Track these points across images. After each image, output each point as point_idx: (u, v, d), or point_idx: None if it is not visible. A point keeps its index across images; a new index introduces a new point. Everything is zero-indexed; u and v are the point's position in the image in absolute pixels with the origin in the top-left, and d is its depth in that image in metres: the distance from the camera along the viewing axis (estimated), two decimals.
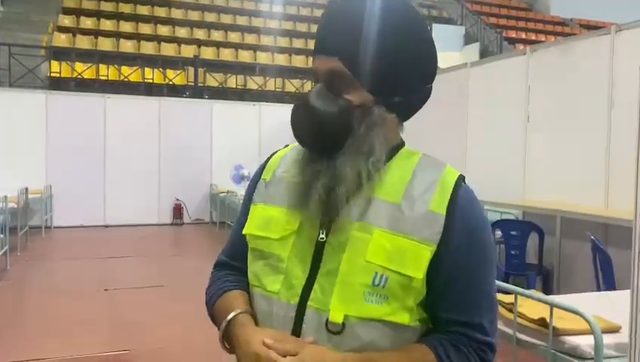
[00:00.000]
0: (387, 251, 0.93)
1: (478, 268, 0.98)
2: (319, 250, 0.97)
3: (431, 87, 1.08)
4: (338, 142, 0.96)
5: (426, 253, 0.93)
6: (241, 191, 9.34)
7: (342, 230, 0.96)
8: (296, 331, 0.96)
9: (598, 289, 3.52)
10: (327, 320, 0.93)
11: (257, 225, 1.05)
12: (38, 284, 5.96)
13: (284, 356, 0.90)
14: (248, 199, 1.12)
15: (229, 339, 1.03)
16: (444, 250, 0.94)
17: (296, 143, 1.05)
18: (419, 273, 0.93)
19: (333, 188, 0.95)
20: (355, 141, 0.96)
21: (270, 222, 1.02)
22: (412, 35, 1.00)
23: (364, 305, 0.93)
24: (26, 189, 8.13)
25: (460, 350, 0.97)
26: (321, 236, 0.97)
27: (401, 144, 1.06)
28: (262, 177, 1.10)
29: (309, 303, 0.95)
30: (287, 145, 1.15)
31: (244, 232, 1.07)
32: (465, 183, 1.01)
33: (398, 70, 0.99)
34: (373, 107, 0.98)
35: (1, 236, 6.17)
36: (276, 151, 1.15)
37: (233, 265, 1.15)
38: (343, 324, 0.93)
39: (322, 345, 0.93)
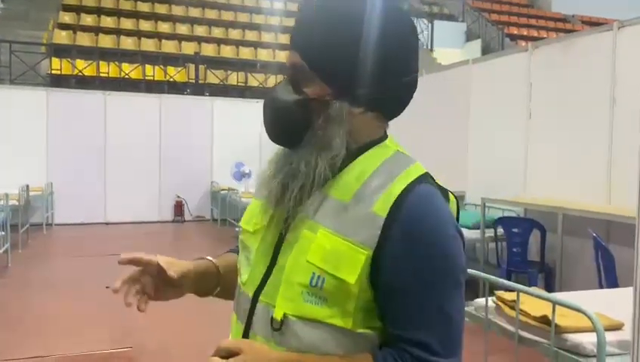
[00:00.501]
0: (326, 252, 0.90)
1: (423, 280, 0.88)
2: (279, 245, 0.98)
3: (412, 80, 1.02)
4: (295, 136, 0.97)
5: (361, 257, 0.88)
6: (242, 188, 9.34)
7: (297, 227, 0.96)
8: (249, 324, 0.99)
9: (601, 287, 3.51)
10: (271, 316, 0.94)
11: (245, 218, 1.09)
12: (39, 282, 5.96)
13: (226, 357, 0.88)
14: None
15: None
16: (382, 257, 0.88)
17: None
18: (351, 277, 0.88)
19: (287, 184, 0.96)
20: (313, 135, 0.95)
21: (251, 215, 1.07)
22: (375, 25, 0.94)
23: (302, 305, 0.91)
24: (27, 186, 8.13)
25: (394, 358, 0.89)
26: (282, 232, 0.98)
27: (380, 140, 1.00)
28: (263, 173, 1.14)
29: (260, 297, 0.97)
30: None
31: (239, 224, 1.13)
32: (426, 184, 0.93)
33: (357, 62, 0.93)
34: (331, 101, 0.94)
35: (3, 233, 6.18)
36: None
37: None
38: (282, 321, 0.92)
39: (268, 339, 0.94)
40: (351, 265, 0.88)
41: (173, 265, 1.06)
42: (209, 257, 1.15)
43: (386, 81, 0.96)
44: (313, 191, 0.95)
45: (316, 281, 0.90)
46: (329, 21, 0.94)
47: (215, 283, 1.13)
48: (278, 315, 0.92)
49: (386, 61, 0.95)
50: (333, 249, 0.90)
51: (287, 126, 0.97)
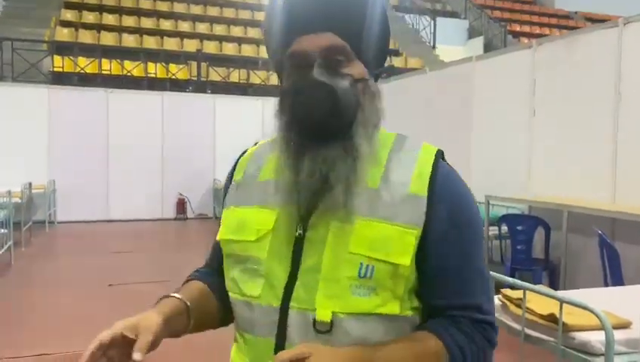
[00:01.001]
0: (370, 240, 0.89)
1: (468, 246, 0.94)
2: (298, 246, 0.92)
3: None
4: (348, 121, 0.92)
5: (411, 238, 0.90)
6: None
7: (320, 223, 0.91)
8: (282, 335, 0.90)
9: (606, 285, 3.49)
10: (313, 319, 0.88)
11: (231, 229, 0.99)
12: (41, 279, 5.96)
13: None
14: (222, 205, 1.08)
15: None
16: (430, 233, 0.91)
17: (263, 141, 1.06)
18: (405, 259, 0.89)
19: (335, 170, 0.89)
20: (363, 116, 0.93)
21: (244, 224, 0.97)
22: (384, 7, 1.00)
23: (352, 299, 0.88)
24: (30, 184, 8.13)
25: (465, 332, 0.92)
26: (299, 231, 0.92)
27: None
28: (232, 180, 1.06)
29: (291, 304, 0.90)
30: (256, 143, 1.12)
31: (218, 238, 1.03)
32: (444, 160, 0.99)
33: (384, 41, 1.00)
34: (369, 80, 0.97)
35: (5, 231, 6.18)
36: (244, 152, 1.11)
37: (208, 267, 1.14)
38: (331, 322, 0.88)
39: None
40: (402, 247, 0.89)
41: (139, 328, 0.90)
42: (174, 294, 1.01)
43: (385, 60, 1.06)
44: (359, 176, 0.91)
45: (365, 271, 0.88)
46: (363, 3, 0.96)
47: (186, 321, 1.00)
48: (324, 316, 0.88)
49: (388, 41, 1.03)
50: (379, 235, 0.89)
51: (348, 110, 0.91)
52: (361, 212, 0.90)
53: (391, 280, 0.89)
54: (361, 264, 0.88)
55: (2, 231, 6.02)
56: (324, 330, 0.88)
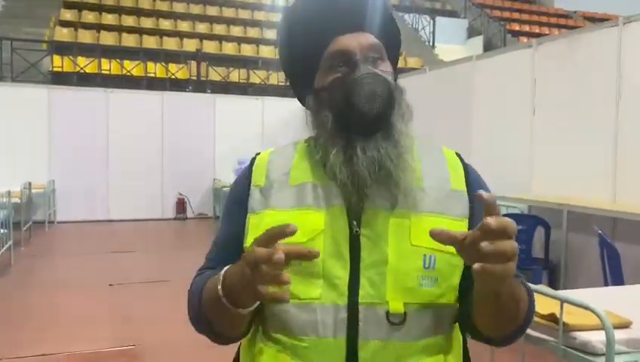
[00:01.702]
0: (428, 232, 0.92)
1: None
2: (354, 243, 0.94)
3: None
4: (392, 114, 0.98)
5: (463, 228, 0.96)
6: None
7: (374, 219, 0.94)
8: (353, 332, 0.91)
9: (606, 284, 3.49)
10: (387, 312, 0.90)
11: None
12: (42, 280, 5.96)
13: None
14: (238, 210, 1.03)
15: (230, 297, 0.88)
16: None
17: (271, 149, 1.08)
18: None
19: (393, 161, 0.94)
20: (400, 111, 0.99)
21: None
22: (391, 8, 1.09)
23: (420, 291, 0.93)
24: (29, 184, 8.13)
25: (525, 285, 1.01)
26: (356, 229, 0.94)
27: None
28: (252, 185, 1.04)
29: (360, 300, 0.91)
30: (258, 154, 1.10)
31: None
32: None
33: (400, 44, 1.09)
34: (397, 78, 1.04)
35: (5, 231, 6.17)
36: (255, 158, 1.10)
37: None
38: (405, 313, 0.91)
39: (385, 340, 0.91)
40: None
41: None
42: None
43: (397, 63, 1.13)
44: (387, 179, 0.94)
45: (429, 262, 0.93)
46: (386, 4, 1.04)
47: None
48: (397, 308, 0.91)
49: (400, 44, 1.12)
50: (436, 227, 0.91)
51: (392, 104, 0.97)
52: (414, 207, 0.95)
53: (449, 270, 0.95)
54: (424, 255, 0.93)
55: (2, 231, 6.01)
56: (398, 322, 0.91)
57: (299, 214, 0.96)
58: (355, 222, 0.94)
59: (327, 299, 0.92)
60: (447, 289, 0.95)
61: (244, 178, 1.07)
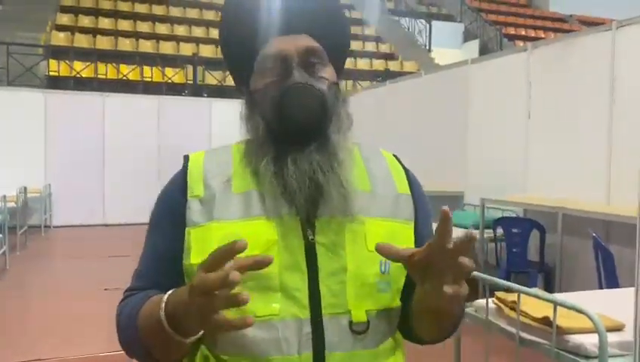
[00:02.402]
0: (382, 237, 0.91)
1: (432, 230, 1.05)
2: (310, 252, 0.89)
3: None
4: (329, 123, 0.93)
5: (410, 231, 0.98)
6: None
7: (329, 226, 0.90)
8: (319, 346, 0.87)
9: (601, 287, 3.51)
10: (350, 322, 0.87)
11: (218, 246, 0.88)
12: (37, 284, 5.94)
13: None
14: (172, 223, 0.93)
15: (174, 325, 0.81)
16: (418, 225, 1.00)
17: (201, 152, 1.00)
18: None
19: (325, 174, 0.89)
20: (339, 120, 0.94)
21: (237, 239, 0.86)
22: (342, 10, 1.04)
23: (379, 296, 0.92)
24: (25, 188, 8.12)
25: None
26: (311, 238, 0.89)
27: None
28: (190, 195, 0.94)
29: (323, 311, 0.87)
30: (186, 157, 1.01)
31: (202, 260, 0.84)
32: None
33: (348, 48, 1.04)
34: (338, 83, 0.97)
35: (0, 236, 6.16)
36: (185, 165, 0.99)
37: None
38: (368, 321, 0.89)
39: (350, 351, 0.88)
40: (406, 240, 0.96)
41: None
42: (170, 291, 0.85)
43: (344, 67, 1.06)
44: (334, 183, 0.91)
45: (385, 267, 0.92)
46: (333, 5, 0.99)
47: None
48: (360, 317, 0.89)
49: (349, 48, 1.06)
50: (388, 232, 0.93)
51: (328, 115, 0.92)
52: (367, 212, 0.93)
53: (399, 274, 0.94)
54: (381, 261, 0.91)
55: None
56: (361, 330, 0.88)
57: (249, 225, 0.89)
58: (308, 230, 0.89)
59: (288, 313, 0.86)
60: (397, 292, 0.95)
61: (178, 187, 0.96)
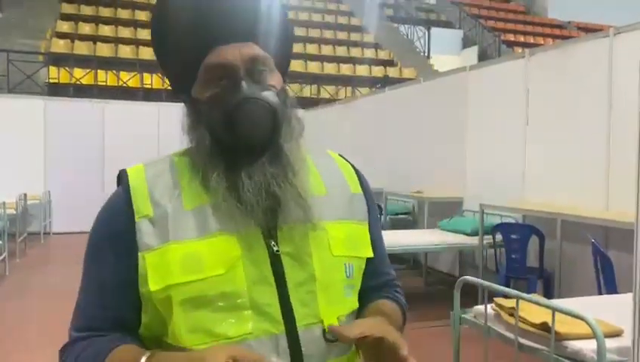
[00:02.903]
0: (343, 240, 0.93)
1: (380, 227, 1.07)
2: (276, 264, 0.86)
3: None
4: (279, 133, 0.89)
5: (366, 231, 0.98)
6: None
7: (291, 235, 0.87)
8: (297, 358, 0.84)
9: (600, 293, 3.51)
10: (323, 330, 0.85)
11: (177, 270, 0.83)
12: (37, 291, 5.94)
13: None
14: (118, 248, 0.86)
15: None
16: (370, 224, 1.00)
17: (140, 165, 0.94)
18: (369, 251, 0.98)
19: (281, 186, 0.87)
20: (289, 126, 0.92)
21: (199, 259, 0.83)
22: (285, 14, 1.00)
23: (346, 301, 0.92)
24: (25, 195, 8.12)
25: (399, 293, 1.07)
26: (276, 249, 0.86)
27: None
28: (137, 215, 0.87)
29: (297, 323, 0.84)
30: (123, 171, 0.94)
31: (156, 288, 0.83)
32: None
33: (291, 53, 1.03)
34: (286, 89, 0.95)
35: (0, 242, 6.16)
36: (125, 182, 0.92)
37: (100, 335, 0.88)
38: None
39: (326, 359, 0.87)
40: (364, 241, 0.98)
41: None
42: (147, 353, 0.82)
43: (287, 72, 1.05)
44: (300, 186, 0.89)
45: (349, 271, 0.93)
46: (275, 10, 0.96)
47: None
48: (333, 324, 0.87)
49: (291, 53, 1.05)
50: (347, 234, 0.94)
51: (278, 127, 0.89)
52: (326, 216, 0.91)
53: (359, 275, 0.96)
54: (345, 264, 0.92)
55: None
56: (335, 338, 0.85)
57: (209, 243, 0.84)
58: (271, 241, 0.86)
59: (261, 330, 0.83)
60: (356, 294, 0.95)
61: (121, 207, 0.89)
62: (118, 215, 0.88)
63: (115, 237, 0.87)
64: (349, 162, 1.05)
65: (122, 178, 0.93)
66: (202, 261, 0.83)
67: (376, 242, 1.01)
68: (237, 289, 0.83)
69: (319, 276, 0.88)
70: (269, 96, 0.88)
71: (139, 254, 0.85)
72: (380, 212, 6.86)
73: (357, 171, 1.05)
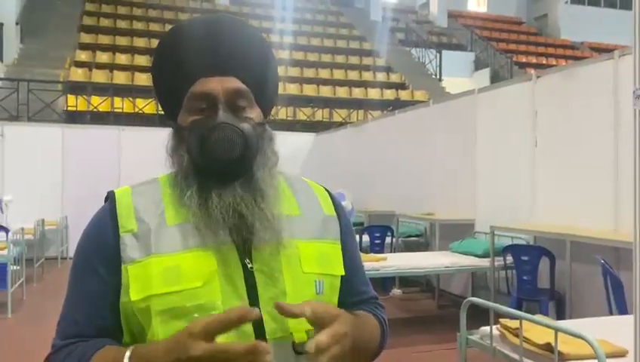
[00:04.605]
0: (315, 258, 0.98)
1: (357, 249, 1.13)
2: (249, 280, 0.92)
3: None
4: (253, 161, 0.97)
5: (338, 250, 1.04)
6: None
7: (264, 253, 0.93)
8: None
9: (611, 313, 3.49)
10: (293, 343, 0.90)
11: (160, 281, 0.89)
12: (54, 315, 5.96)
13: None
14: (104, 261, 0.93)
15: None
16: (343, 244, 1.05)
17: (126, 187, 1.01)
18: (341, 270, 1.03)
19: (249, 208, 0.93)
20: (263, 157, 0.99)
21: (178, 272, 0.89)
22: (272, 54, 1.06)
23: None
24: (42, 221, 8.26)
25: (379, 310, 1.12)
26: (250, 265, 0.92)
27: None
28: (122, 230, 0.94)
29: (267, 337, 0.89)
30: (111, 192, 1.01)
31: (139, 297, 0.89)
32: None
33: (275, 88, 1.08)
34: (265, 123, 1.01)
35: (18, 267, 6.27)
36: (112, 201, 0.99)
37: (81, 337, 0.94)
38: (308, 340, 0.89)
39: None
40: (336, 259, 1.03)
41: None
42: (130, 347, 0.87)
43: (272, 109, 1.11)
44: (271, 211, 0.94)
45: (319, 288, 0.98)
46: (262, 49, 1.03)
47: None
48: (301, 338, 0.91)
49: (277, 91, 1.10)
50: (319, 253, 1.00)
51: (254, 152, 0.96)
52: (298, 236, 0.98)
53: (331, 292, 1.01)
54: (315, 281, 0.97)
55: (15, 267, 6.11)
56: (304, 350, 0.87)
57: (188, 257, 0.91)
58: (245, 257, 0.93)
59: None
60: None
61: (106, 222, 0.96)
62: (104, 229, 0.95)
63: (101, 250, 0.94)
64: (325, 188, 1.12)
65: (110, 196, 1.01)
66: (181, 274, 0.89)
67: (351, 261, 1.07)
68: (212, 302, 0.89)
69: (290, 292, 0.93)
70: (244, 125, 0.95)
71: (122, 266, 0.91)
72: (391, 234, 6.89)
73: (331, 195, 1.11)
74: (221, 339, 0.84)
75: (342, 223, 1.08)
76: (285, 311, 0.84)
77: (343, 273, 1.03)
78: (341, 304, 1.03)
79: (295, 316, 0.85)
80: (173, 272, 0.89)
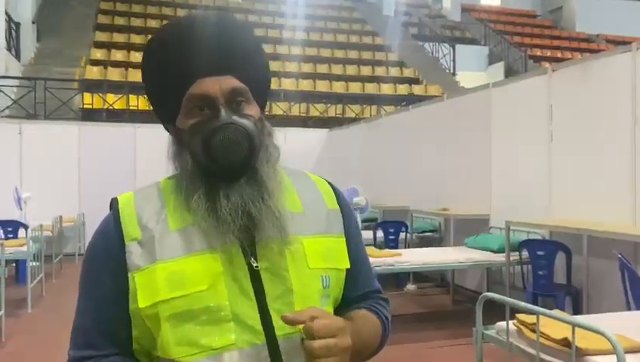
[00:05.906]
0: (321, 253, 0.99)
1: (362, 242, 1.13)
2: (256, 279, 0.93)
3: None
4: (257, 157, 0.97)
5: (343, 244, 1.04)
6: None
7: (269, 252, 0.94)
8: None
9: (629, 308, 3.46)
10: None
11: (165, 287, 0.91)
12: (72, 310, 6.07)
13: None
14: (111, 270, 0.95)
15: None
16: (348, 237, 1.06)
17: (129, 193, 1.03)
18: (346, 263, 1.04)
19: (256, 206, 0.93)
20: (266, 153, 0.99)
21: (183, 276, 0.91)
22: (262, 48, 1.07)
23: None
24: (60, 218, 8.38)
25: (383, 306, 1.12)
26: (255, 265, 0.93)
27: None
28: (127, 238, 0.95)
29: (277, 333, 0.91)
30: (115, 199, 1.04)
31: (144, 304, 0.91)
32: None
33: (269, 82, 1.09)
34: (263, 119, 1.02)
35: (37, 264, 6.36)
36: (116, 209, 1.01)
37: (102, 354, 0.95)
38: None
39: None
40: (342, 253, 1.04)
41: None
42: None
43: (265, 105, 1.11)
44: (274, 207, 0.95)
45: (326, 282, 0.99)
46: (254, 44, 1.04)
47: None
48: None
49: (270, 86, 1.11)
50: (325, 247, 1.01)
51: (254, 152, 0.96)
52: (303, 232, 0.99)
53: (336, 286, 1.03)
54: (322, 276, 0.99)
55: (34, 263, 6.21)
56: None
57: (193, 261, 0.92)
58: (250, 257, 0.93)
59: (243, 341, 0.90)
60: (332, 304, 1.03)
61: (111, 231, 0.97)
62: (109, 239, 0.97)
63: (107, 259, 0.96)
64: (328, 182, 1.12)
65: (113, 205, 1.02)
66: (186, 278, 0.91)
67: (355, 254, 1.07)
68: (219, 304, 0.90)
69: (296, 288, 0.94)
70: (246, 122, 0.95)
71: (129, 274, 0.93)
72: (405, 230, 6.88)
73: (334, 188, 1.11)
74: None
75: (345, 216, 1.08)
76: (289, 321, 0.87)
77: (348, 266, 1.04)
78: (345, 298, 1.05)
79: (302, 323, 0.87)
80: (177, 277, 0.91)
